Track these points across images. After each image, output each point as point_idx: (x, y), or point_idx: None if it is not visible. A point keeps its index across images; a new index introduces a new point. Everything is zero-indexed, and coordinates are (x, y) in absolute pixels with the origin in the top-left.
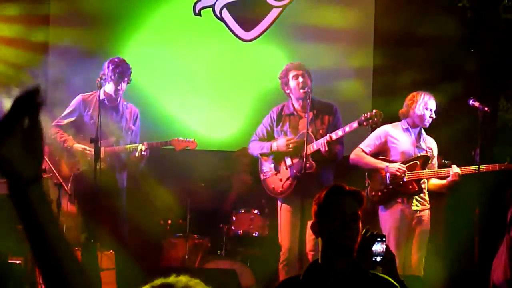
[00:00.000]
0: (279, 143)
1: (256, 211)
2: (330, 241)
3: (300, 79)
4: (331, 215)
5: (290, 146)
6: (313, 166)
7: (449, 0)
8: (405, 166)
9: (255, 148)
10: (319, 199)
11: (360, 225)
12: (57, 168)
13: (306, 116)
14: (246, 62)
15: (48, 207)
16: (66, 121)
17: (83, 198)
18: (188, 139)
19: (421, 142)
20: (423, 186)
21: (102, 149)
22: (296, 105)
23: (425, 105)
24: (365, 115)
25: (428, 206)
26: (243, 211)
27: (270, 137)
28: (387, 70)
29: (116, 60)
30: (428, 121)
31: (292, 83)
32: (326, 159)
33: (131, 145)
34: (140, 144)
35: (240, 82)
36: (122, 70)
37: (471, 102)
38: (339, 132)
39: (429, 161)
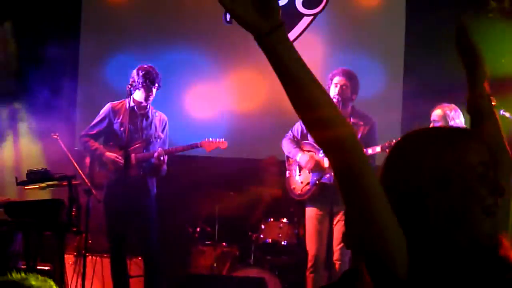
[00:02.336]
0: (302, 158)
1: (285, 220)
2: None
3: (337, 90)
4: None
5: (308, 166)
6: (333, 177)
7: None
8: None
9: (286, 147)
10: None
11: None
12: (88, 175)
13: None
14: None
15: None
16: (96, 130)
17: (114, 205)
18: (218, 140)
19: None
20: None
21: (133, 155)
22: None
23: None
24: (390, 141)
25: None
26: (272, 220)
27: (303, 138)
28: (417, 77)
29: (145, 67)
30: None
31: (332, 90)
32: None
33: (152, 152)
34: (157, 150)
35: (270, 90)
36: (152, 77)
37: (501, 112)
38: (369, 151)
39: None
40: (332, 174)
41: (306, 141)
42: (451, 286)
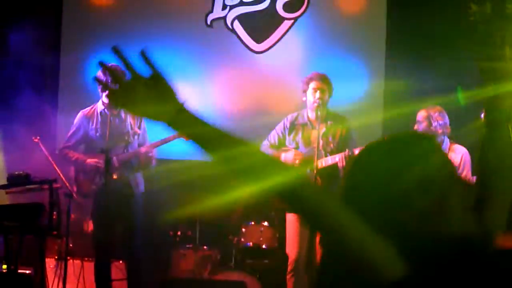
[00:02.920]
0: (288, 156)
1: (265, 223)
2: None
3: (317, 95)
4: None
5: (297, 161)
6: (318, 182)
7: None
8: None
9: None
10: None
11: None
12: (76, 186)
13: (318, 130)
14: (258, 74)
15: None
16: (73, 141)
17: (102, 210)
18: None
19: None
20: None
21: (114, 158)
22: (311, 115)
23: (436, 122)
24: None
25: None
26: (252, 223)
27: (281, 144)
28: (399, 81)
29: (109, 65)
30: (440, 135)
31: (309, 95)
32: (335, 174)
33: (136, 150)
34: (143, 147)
35: (251, 93)
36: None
37: (482, 115)
38: (356, 151)
39: None
40: (316, 178)
41: (284, 148)
42: (442, 280)
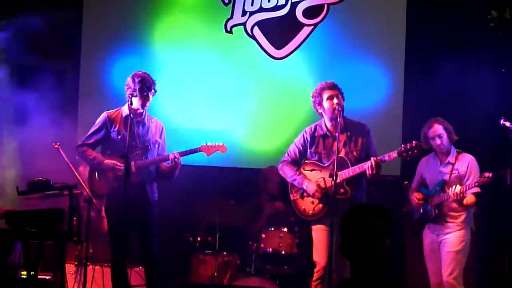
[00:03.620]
0: (309, 188)
1: (285, 229)
2: (359, 260)
3: (335, 100)
4: (358, 234)
5: (316, 196)
6: (348, 192)
7: (481, 20)
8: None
9: (287, 174)
10: (346, 219)
11: (388, 241)
12: (89, 185)
13: (337, 137)
14: (277, 80)
15: None
16: (93, 139)
17: (116, 214)
18: (217, 144)
19: (445, 166)
20: (444, 211)
21: (132, 163)
22: (329, 125)
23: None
24: (405, 146)
25: (455, 228)
26: (272, 229)
27: (302, 157)
28: (418, 87)
29: (140, 73)
30: (438, 148)
31: (326, 104)
32: (358, 179)
33: (161, 156)
34: (172, 153)
35: (271, 100)
36: (149, 83)
37: (502, 122)
38: (385, 157)
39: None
40: (344, 189)
41: (307, 161)
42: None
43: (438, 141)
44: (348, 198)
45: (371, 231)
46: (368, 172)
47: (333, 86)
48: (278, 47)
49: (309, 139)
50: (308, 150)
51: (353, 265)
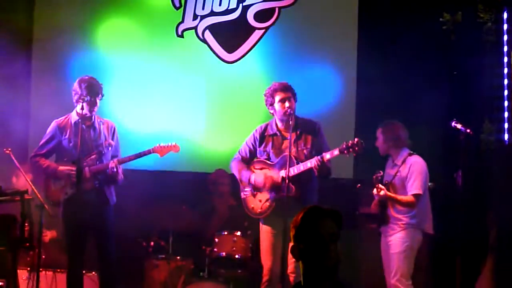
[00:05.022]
0: (258, 179)
1: (238, 233)
2: (311, 264)
3: (287, 104)
4: (310, 238)
5: (266, 186)
6: (292, 189)
7: (434, 23)
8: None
9: (236, 169)
10: (296, 222)
11: (339, 245)
12: (45, 195)
13: (290, 140)
14: (229, 84)
15: None
16: (45, 149)
17: (73, 220)
18: (170, 144)
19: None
20: (388, 212)
21: (86, 169)
22: (280, 125)
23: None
24: (347, 143)
25: (397, 229)
26: (225, 233)
27: (252, 156)
28: (370, 88)
29: (86, 78)
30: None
31: (278, 106)
32: (307, 178)
33: (104, 164)
34: (111, 162)
35: (222, 104)
36: (95, 88)
37: (453, 124)
38: (327, 155)
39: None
40: (286, 185)
41: (256, 160)
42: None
43: (376, 143)
44: (295, 197)
45: (324, 235)
46: (315, 171)
47: (285, 88)
48: (230, 50)
49: (258, 138)
50: (258, 149)
51: (305, 269)
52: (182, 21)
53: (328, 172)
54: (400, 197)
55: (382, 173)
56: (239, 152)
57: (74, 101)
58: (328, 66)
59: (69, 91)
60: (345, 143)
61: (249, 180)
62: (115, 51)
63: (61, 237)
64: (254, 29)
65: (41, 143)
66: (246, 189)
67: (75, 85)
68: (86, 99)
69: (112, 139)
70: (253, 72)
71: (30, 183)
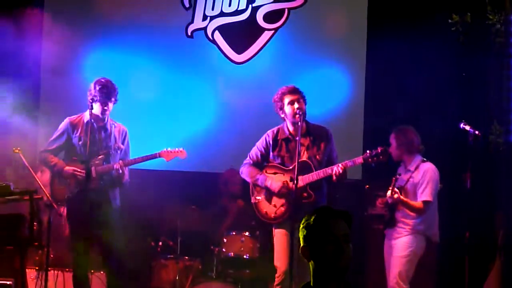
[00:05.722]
0: (274, 185)
1: (247, 233)
2: (323, 265)
3: (296, 105)
4: (323, 239)
5: (282, 191)
6: (311, 196)
7: (443, 25)
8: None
9: (248, 174)
10: (308, 223)
11: (351, 246)
12: (50, 191)
13: (298, 142)
14: (238, 84)
15: None
16: (55, 145)
17: (77, 219)
18: (177, 149)
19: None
20: (396, 215)
21: (93, 169)
22: (292, 129)
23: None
24: (371, 151)
25: (404, 233)
26: (234, 233)
27: (264, 160)
28: (379, 91)
29: (102, 80)
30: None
31: (288, 109)
32: (320, 183)
33: (109, 165)
34: (116, 163)
35: (231, 104)
36: (108, 91)
37: (462, 125)
38: (349, 163)
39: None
40: (308, 192)
41: (270, 164)
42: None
43: (389, 149)
44: (311, 202)
45: (337, 235)
46: (334, 177)
47: (294, 91)
48: (239, 51)
49: (271, 142)
50: (271, 153)
51: (317, 269)
52: (192, 22)
53: (345, 178)
54: (412, 203)
55: (399, 176)
56: (249, 156)
57: (88, 100)
58: (337, 68)
59: (78, 90)
60: (369, 151)
61: (265, 184)
62: (123, 52)
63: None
64: (263, 30)
65: (51, 138)
66: (259, 194)
67: (91, 85)
68: (98, 100)
69: (123, 143)
70: (262, 73)
71: (40, 183)
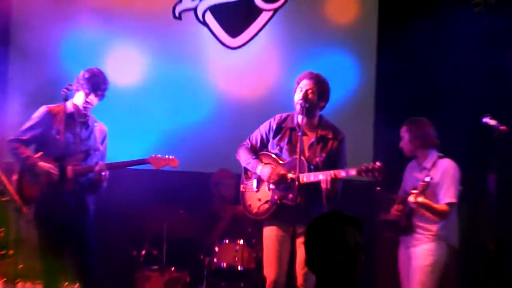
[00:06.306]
0: (264, 171)
1: (241, 241)
2: (333, 276)
3: (301, 95)
4: (334, 248)
5: (272, 179)
6: (297, 199)
7: (465, 5)
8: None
9: (243, 158)
10: (316, 229)
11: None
12: (17, 189)
13: (300, 139)
14: (232, 72)
15: None
16: (28, 135)
17: (47, 225)
18: (168, 157)
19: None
20: (414, 221)
21: (69, 168)
22: (301, 120)
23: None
24: (367, 165)
25: (424, 240)
26: (227, 242)
27: (263, 147)
28: (392, 80)
29: (94, 70)
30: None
31: (296, 94)
32: (317, 193)
33: (88, 166)
34: (97, 164)
35: (224, 94)
36: (97, 82)
37: (485, 120)
38: (342, 173)
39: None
40: (295, 195)
41: (265, 152)
42: None
43: (401, 143)
44: (300, 205)
45: (350, 244)
46: (322, 185)
47: (311, 77)
48: (233, 35)
49: (274, 127)
50: (271, 140)
51: (324, 281)
52: (180, 1)
53: (336, 194)
54: (435, 206)
55: (431, 180)
56: (249, 139)
57: (74, 89)
58: (344, 54)
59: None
60: (364, 165)
61: (256, 168)
62: (104, 35)
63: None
64: (261, 11)
65: (25, 127)
66: (248, 181)
67: (80, 73)
68: (84, 90)
69: (102, 143)
70: (259, 59)
71: (6, 182)
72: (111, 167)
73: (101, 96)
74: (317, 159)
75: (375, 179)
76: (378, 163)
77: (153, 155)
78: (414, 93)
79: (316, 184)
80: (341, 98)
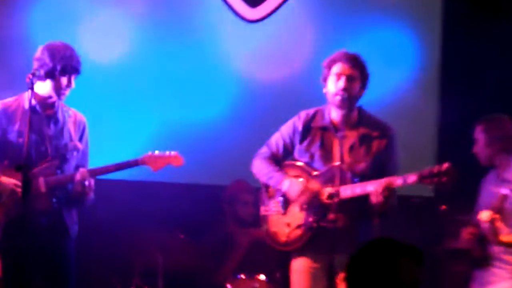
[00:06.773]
0: (292, 186)
1: (262, 277)
2: None
3: (342, 83)
4: (385, 286)
5: (301, 199)
6: (340, 219)
7: None
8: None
9: (262, 171)
10: (361, 261)
11: None
12: None
13: (340, 141)
14: (251, 50)
15: None
16: None
17: (16, 254)
18: (169, 153)
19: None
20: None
21: (41, 180)
22: (335, 116)
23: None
24: (432, 169)
25: (505, 276)
26: (243, 277)
27: (287, 154)
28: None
29: (59, 45)
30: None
31: (331, 83)
32: (365, 211)
33: (66, 175)
34: (78, 172)
35: (241, 80)
36: (72, 62)
37: None
38: (398, 181)
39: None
40: (336, 214)
41: (291, 162)
42: None
43: (475, 147)
44: (342, 229)
45: (405, 280)
46: (373, 198)
47: (349, 60)
48: (253, 4)
49: (301, 129)
50: (297, 145)
51: None
52: None
53: (391, 209)
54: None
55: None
56: (267, 145)
57: (33, 75)
58: (398, 30)
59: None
60: (429, 168)
61: (281, 184)
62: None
63: None
64: None
65: None
66: (271, 201)
67: (39, 52)
68: (58, 73)
69: (80, 140)
70: (285, 36)
71: None
72: (97, 173)
73: (74, 78)
74: (363, 164)
75: (443, 187)
76: (446, 164)
77: (149, 153)
78: (492, 81)
79: (363, 198)
80: (394, 86)
